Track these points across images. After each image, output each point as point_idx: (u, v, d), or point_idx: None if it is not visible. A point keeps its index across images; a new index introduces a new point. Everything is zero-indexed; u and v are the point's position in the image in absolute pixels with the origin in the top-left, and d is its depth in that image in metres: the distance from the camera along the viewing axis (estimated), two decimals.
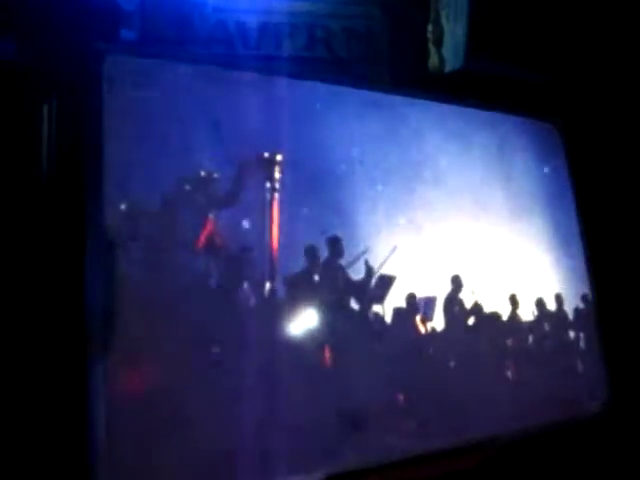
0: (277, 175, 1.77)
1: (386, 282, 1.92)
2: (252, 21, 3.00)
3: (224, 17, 2.99)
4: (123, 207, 1.55)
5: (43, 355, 1.49)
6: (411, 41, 3.19)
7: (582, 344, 2.35)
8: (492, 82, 2.89)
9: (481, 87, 2.90)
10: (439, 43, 3.22)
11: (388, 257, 1.91)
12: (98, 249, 1.50)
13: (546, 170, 2.48)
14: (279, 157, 1.78)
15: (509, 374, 2.12)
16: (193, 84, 1.70)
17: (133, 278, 1.53)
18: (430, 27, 3.23)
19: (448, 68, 3.08)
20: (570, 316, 2.35)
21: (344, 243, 1.86)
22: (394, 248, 1.93)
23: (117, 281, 1.51)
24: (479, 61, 2.98)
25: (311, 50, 3.21)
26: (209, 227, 1.65)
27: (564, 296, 2.34)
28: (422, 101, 2.25)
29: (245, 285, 1.69)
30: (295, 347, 1.75)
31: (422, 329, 1.97)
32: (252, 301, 1.70)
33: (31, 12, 1.74)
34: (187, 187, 1.64)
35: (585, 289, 2.39)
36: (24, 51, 1.70)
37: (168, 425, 1.51)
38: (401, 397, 1.88)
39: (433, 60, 3.21)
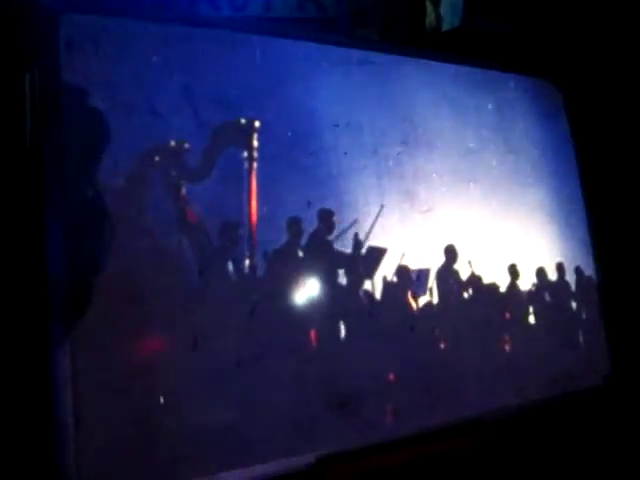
0: (255, 143, 1.64)
1: (376, 255, 1.81)
2: None
3: None
4: (87, 183, 1.43)
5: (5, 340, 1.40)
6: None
7: (584, 315, 2.25)
8: (490, 41, 2.74)
9: (479, 46, 2.75)
10: (436, 1, 3.07)
11: (375, 221, 1.78)
12: (60, 227, 1.39)
13: (547, 135, 2.34)
14: (257, 123, 1.64)
15: (508, 348, 2.03)
16: (160, 44, 1.56)
17: (101, 258, 1.42)
18: None
19: (446, 26, 2.93)
20: (572, 287, 2.24)
21: (330, 214, 1.75)
22: (381, 207, 1.80)
23: (83, 262, 1.41)
24: (477, 19, 2.83)
25: (302, 10, 3.06)
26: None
27: (566, 266, 2.23)
28: (416, 60, 2.09)
29: (227, 262, 1.58)
30: (279, 326, 1.65)
31: (414, 304, 1.87)
32: (232, 278, 1.59)
33: None
34: (156, 159, 1.51)
35: (588, 259, 2.28)
36: None
37: (145, 409, 1.44)
38: (393, 375, 1.79)
39: (430, 18, 3.06)
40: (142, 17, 1.57)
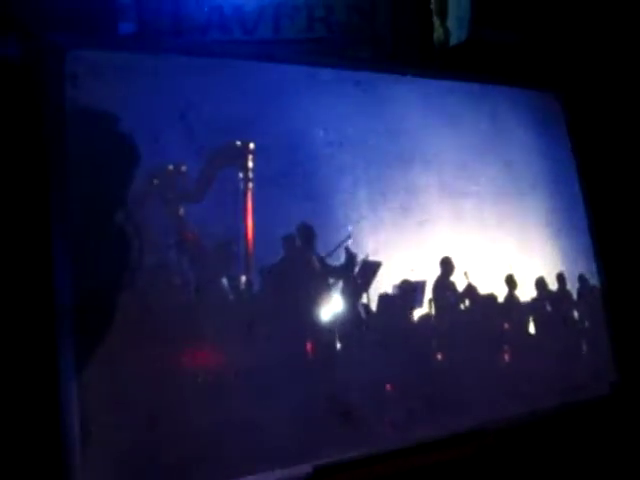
0: (250, 164, 1.72)
1: (372, 268, 1.86)
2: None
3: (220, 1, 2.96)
4: (90, 205, 1.53)
5: (13, 350, 1.50)
6: (415, 15, 3.11)
7: (587, 324, 2.25)
8: (495, 54, 2.78)
9: (483, 59, 2.79)
10: (444, 15, 3.13)
11: (342, 243, 1.83)
12: (65, 248, 1.48)
13: (547, 143, 2.36)
14: (252, 145, 1.72)
15: (507, 359, 2.04)
16: (159, 73, 1.66)
17: (102, 278, 1.51)
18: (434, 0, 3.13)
19: (453, 40, 2.98)
20: (574, 295, 2.25)
21: (325, 231, 1.81)
22: (348, 235, 1.85)
23: (86, 280, 1.50)
24: (485, 32, 2.87)
25: (311, 31, 3.15)
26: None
27: (567, 275, 2.24)
28: (423, 79, 2.16)
29: (221, 279, 1.66)
30: (279, 339, 1.71)
31: (411, 315, 1.91)
32: (229, 294, 1.66)
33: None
34: (155, 181, 1.60)
35: (590, 267, 2.29)
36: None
37: (147, 420, 1.51)
38: (392, 386, 1.83)
39: (438, 33, 3.12)
40: (141, 50, 1.67)
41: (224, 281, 1.65)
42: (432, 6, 3.15)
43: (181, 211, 1.62)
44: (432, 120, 2.11)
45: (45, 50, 1.55)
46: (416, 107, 2.09)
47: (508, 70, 2.54)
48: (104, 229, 1.55)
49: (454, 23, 3.07)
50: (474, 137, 2.18)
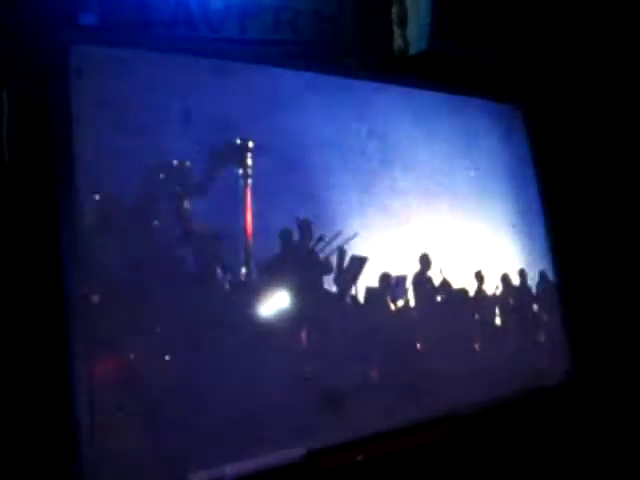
0: (249, 162, 1.79)
1: (358, 263, 1.98)
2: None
3: None
4: (97, 197, 1.56)
5: (22, 347, 1.51)
6: (378, 23, 3.23)
7: (545, 316, 2.45)
8: (456, 64, 2.95)
9: (445, 69, 2.95)
10: (404, 25, 3.26)
11: (349, 240, 1.95)
12: (73, 241, 1.51)
13: (510, 151, 2.55)
14: (251, 144, 1.80)
15: (477, 348, 2.20)
16: (162, 72, 1.70)
17: (110, 268, 1.54)
18: (394, 9, 3.26)
19: (413, 50, 3.12)
20: (534, 290, 2.44)
21: (317, 227, 1.90)
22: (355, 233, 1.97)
23: (95, 274, 1.53)
24: (443, 43, 3.03)
25: (277, 32, 3.21)
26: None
27: (528, 271, 2.43)
28: (389, 85, 2.27)
29: (221, 270, 1.72)
30: (272, 329, 1.79)
31: (393, 307, 2.03)
32: (228, 286, 1.73)
33: None
34: (161, 176, 1.65)
35: (548, 265, 2.49)
36: None
37: (145, 410, 1.55)
38: (376, 374, 1.95)
39: (398, 42, 3.25)
40: (145, 47, 1.71)
41: (224, 273, 1.71)
42: (393, 16, 3.30)
43: (186, 205, 1.67)
44: (410, 125, 2.25)
45: (50, 44, 1.56)
46: (395, 112, 2.22)
47: (466, 81, 2.72)
48: (111, 222, 1.58)
49: (414, 33, 3.21)
50: (447, 143, 2.33)
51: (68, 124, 1.54)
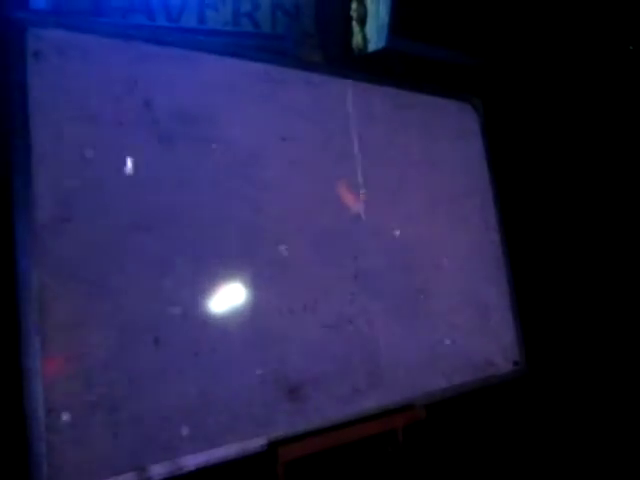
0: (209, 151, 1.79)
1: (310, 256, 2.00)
2: None
3: None
4: (53, 186, 1.52)
5: None
6: (337, 19, 3.26)
7: (496, 309, 2.53)
8: (414, 62, 3.01)
9: (404, 67, 3.01)
10: (363, 22, 3.30)
11: None
12: (28, 231, 1.47)
13: (465, 149, 2.62)
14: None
15: (432, 339, 2.26)
16: (121, 59, 1.67)
17: (67, 259, 1.51)
18: (354, 6, 3.30)
19: (371, 47, 3.17)
20: (487, 284, 2.52)
21: (277, 218, 1.92)
22: None
23: (50, 262, 1.49)
24: (402, 42, 3.08)
25: (237, 24, 3.20)
26: None
27: (479, 266, 2.51)
28: (347, 80, 2.30)
29: (179, 261, 1.71)
30: (231, 319, 1.79)
31: (353, 298, 2.07)
32: (187, 277, 1.72)
33: None
34: (120, 164, 1.62)
35: (499, 260, 2.58)
36: None
37: (104, 402, 1.54)
38: (336, 364, 1.97)
39: (357, 39, 3.29)
40: (105, 34, 1.67)
41: (183, 262, 1.70)
42: (352, 12, 3.34)
43: (143, 195, 1.65)
44: (370, 121, 2.28)
45: (6, 26, 1.51)
46: (356, 108, 2.25)
47: (424, 79, 2.78)
48: (69, 212, 1.54)
49: (373, 31, 3.26)
50: (405, 140, 2.38)
51: (25, 109, 1.50)
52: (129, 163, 1.64)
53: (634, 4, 2.93)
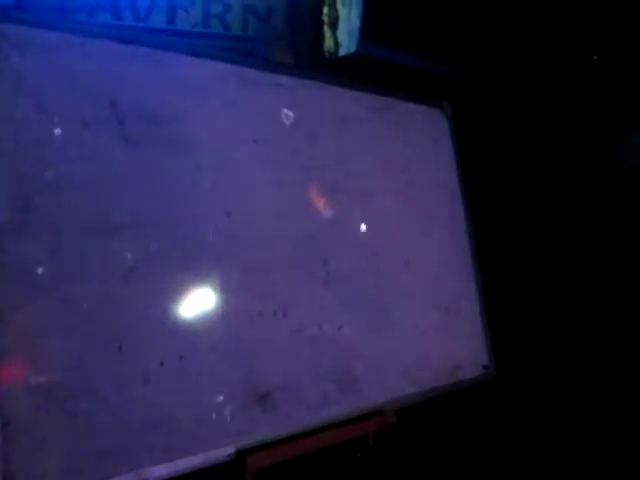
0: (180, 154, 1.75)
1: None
2: None
3: None
4: (12, 187, 1.46)
5: None
6: (308, 22, 3.26)
7: (465, 314, 2.55)
8: (385, 67, 3.03)
9: (374, 72, 3.02)
10: (334, 26, 3.31)
11: None
12: None
13: (435, 154, 2.64)
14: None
15: (405, 344, 2.26)
16: (86, 58, 1.62)
17: (25, 263, 1.45)
18: (325, 10, 3.30)
19: (342, 52, 3.17)
20: (457, 288, 2.54)
21: (249, 218, 1.89)
22: None
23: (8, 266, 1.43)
24: (373, 47, 3.10)
25: (207, 26, 3.16)
26: None
27: (449, 270, 2.53)
28: (318, 83, 2.28)
29: (144, 265, 1.66)
30: (198, 325, 1.75)
31: (322, 304, 2.05)
32: (153, 282, 1.67)
33: None
34: (84, 166, 1.57)
35: (469, 264, 2.60)
36: None
37: (71, 408, 1.49)
38: (305, 371, 1.95)
39: (328, 43, 3.29)
40: (69, 31, 1.61)
41: (150, 268, 1.65)
42: (324, 16, 3.34)
43: (109, 195, 1.60)
44: (341, 125, 2.27)
45: None
46: (327, 111, 2.24)
47: (395, 84, 2.80)
48: (29, 215, 1.48)
49: (344, 35, 3.27)
50: (377, 144, 2.38)
51: None
52: (93, 164, 1.58)
53: (598, 15, 3.01)
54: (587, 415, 2.65)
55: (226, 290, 1.82)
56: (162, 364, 1.65)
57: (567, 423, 2.62)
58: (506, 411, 2.56)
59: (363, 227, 2.23)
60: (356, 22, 3.17)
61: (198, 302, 1.76)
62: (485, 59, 3.12)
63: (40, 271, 1.48)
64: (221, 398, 1.75)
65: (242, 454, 1.74)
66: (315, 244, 2.08)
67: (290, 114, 2.07)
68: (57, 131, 1.54)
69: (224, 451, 1.72)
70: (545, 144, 3.01)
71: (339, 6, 3.28)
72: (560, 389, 2.74)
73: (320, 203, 2.12)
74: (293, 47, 3.17)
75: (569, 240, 2.93)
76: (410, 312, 2.34)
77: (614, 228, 2.83)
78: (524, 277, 2.94)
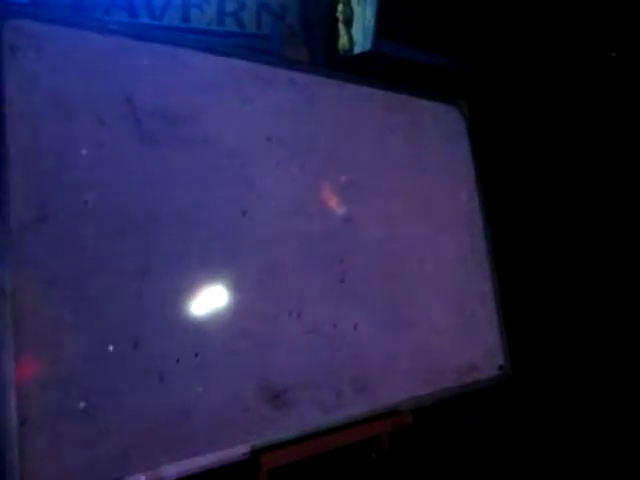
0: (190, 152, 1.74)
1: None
2: None
3: None
4: (30, 185, 1.46)
5: None
6: (323, 20, 3.24)
7: (481, 313, 2.52)
8: (400, 65, 3.01)
9: (389, 69, 3.00)
10: (349, 24, 3.29)
11: None
12: (2, 231, 1.41)
13: (451, 152, 2.61)
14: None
15: (419, 343, 2.24)
16: (102, 55, 1.62)
17: (42, 261, 1.46)
18: (340, 7, 3.28)
19: (357, 49, 3.16)
20: (471, 287, 2.51)
21: (261, 217, 1.88)
22: None
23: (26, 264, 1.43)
24: (387, 44, 3.08)
25: (221, 24, 3.16)
26: None
27: (464, 270, 2.50)
28: (333, 81, 2.26)
29: (160, 264, 1.66)
30: (213, 324, 1.75)
31: (337, 302, 2.03)
32: (169, 280, 1.67)
33: None
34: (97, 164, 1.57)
35: (484, 264, 2.57)
36: None
37: (88, 406, 1.48)
38: (320, 370, 1.94)
39: (343, 40, 3.28)
40: (86, 27, 1.61)
41: (163, 266, 1.65)
42: (338, 14, 3.32)
43: (123, 194, 1.60)
44: (356, 122, 2.25)
45: None
46: (343, 109, 2.22)
47: (410, 82, 2.77)
48: (46, 213, 1.48)
49: (359, 33, 3.25)
50: (392, 142, 2.35)
51: (0, 106, 1.44)
52: (110, 162, 1.58)
53: (617, 12, 2.96)
54: (604, 416, 2.61)
55: (241, 288, 1.81)
56: (178, 361, 1.65)
57: (583, 424, 2.58)
58: (521, 411, 2.53)
59: (379, 226, 2.21)
60: (371, 20, 3.15)
61: (213, 300, 1.76)
62: (501, 55, 3.08)
63: (58, 269, 1.48)
64: (236, 397, 1.74)
65: (257, 453, 1.74)
66: (331, 243, 2.06)
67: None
68: (73, 130, 1.53)
69: (239, 450, 1.72)
70: (564, 143, 2.96)
71: (354, 4, 3.26)
72: (576, 389, 2.70)
73: (335, 202, 2.10)
74: (308, 45, 3.15)
75: (587, 240, 2.89)
76: (425, 312, 2.32)
77: (636, 229, 2.79)
78: (541, 277, 2.91)
